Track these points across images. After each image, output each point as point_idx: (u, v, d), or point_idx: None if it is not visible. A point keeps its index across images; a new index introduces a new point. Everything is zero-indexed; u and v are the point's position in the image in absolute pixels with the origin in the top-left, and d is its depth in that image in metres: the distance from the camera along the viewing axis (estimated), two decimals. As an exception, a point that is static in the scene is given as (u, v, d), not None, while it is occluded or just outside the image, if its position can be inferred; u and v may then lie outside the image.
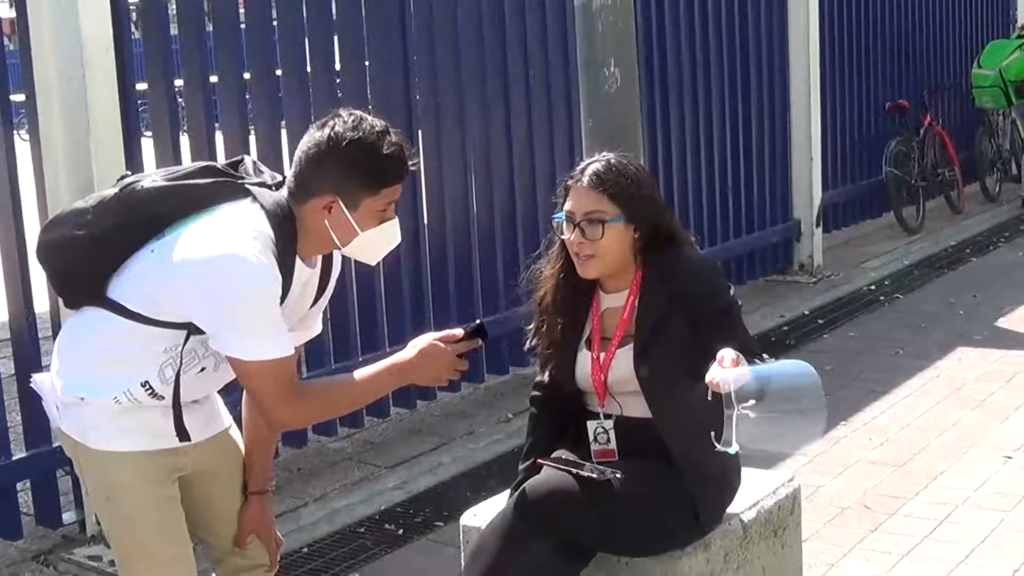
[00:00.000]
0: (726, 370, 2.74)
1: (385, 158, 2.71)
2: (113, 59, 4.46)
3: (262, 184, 2.80)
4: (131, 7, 5.01)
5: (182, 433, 2.83)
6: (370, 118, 2.75)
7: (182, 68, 5.09)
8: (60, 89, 4.38)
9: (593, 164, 3.15)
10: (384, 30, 5.77)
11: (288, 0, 5.41)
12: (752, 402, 2.70)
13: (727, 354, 2.77)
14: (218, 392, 3.01)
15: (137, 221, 2.75)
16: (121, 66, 4.51)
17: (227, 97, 5.19)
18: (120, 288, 2.75)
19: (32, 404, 4.56)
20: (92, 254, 2.77)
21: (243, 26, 5.35)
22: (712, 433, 2.76)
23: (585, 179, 3.12)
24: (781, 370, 2.81)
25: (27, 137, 4.58)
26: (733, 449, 2.75)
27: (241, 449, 3.08)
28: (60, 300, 3.00)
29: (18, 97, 4.68)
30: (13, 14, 4.55)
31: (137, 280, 2.73)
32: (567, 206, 3.14)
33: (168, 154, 4.84)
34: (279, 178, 2.85)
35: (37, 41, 4.40)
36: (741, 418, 2.70)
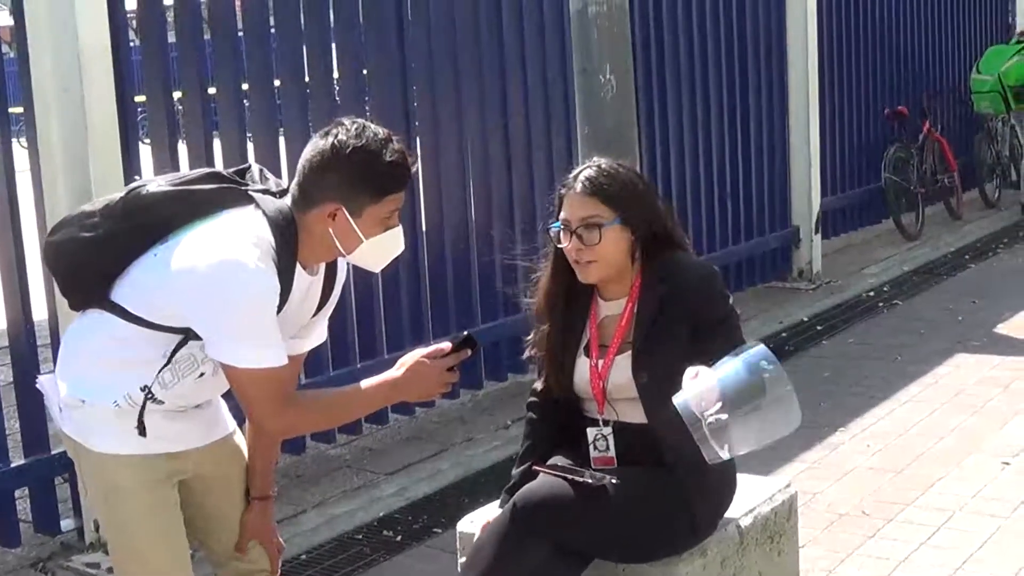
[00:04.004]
0: (686, 389, 2.77)
1: (389, 165, 2.73)
2: (111, 67, 4.46)
3: (266, 191, 2.82)
4: (129, 15, 5.02)
5: (141, 428, 2.79)
6: (372, 126, 2.77)
7: (180, 76, 5.09)
8: (58, 97, 4.38)
9: (584, 170, 3.17)
10: (382, 38, 5.78)
11: (286, 7, 5.43)
12: (718, 405, 2.72)
13: (687, 372, 2.82)
14: (222, 397, 3.02)
15: (141, 225, 2.76)
16: (119, 74, 4.52)
17: (225, 105, 5.20)
18: (123, 291, 2.77)
19: (30, 411, 4.57)
20: (97, 256, 2.79)
21: (241, 34, 5.36)
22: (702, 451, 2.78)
23: (578, 185, 3.13)
24: (739, 369, 2.80)
25: (26, 145, 4.58)
26: (725, 456, 2.77)
27: (244, 454, 3.08)
28: (65, 303, 3.01)
29: (16, 109, 4.69)
30: (12, 22, 4.56)
31: (139, 283, 2.75)
32: (562, 214, 3.15)
33: (166, 162, 4.84)
34: (284, 185, 2.86)
35: (35, 49, 4.41)
36: (715, 429, 2.72)
